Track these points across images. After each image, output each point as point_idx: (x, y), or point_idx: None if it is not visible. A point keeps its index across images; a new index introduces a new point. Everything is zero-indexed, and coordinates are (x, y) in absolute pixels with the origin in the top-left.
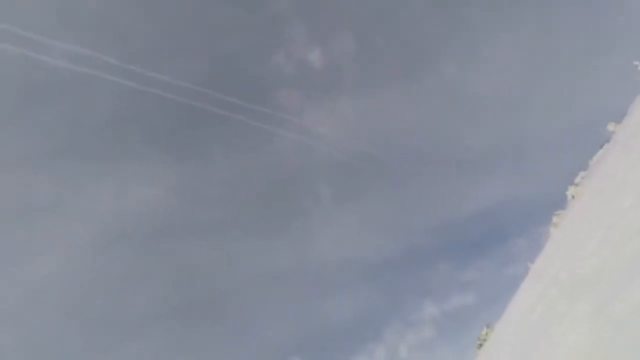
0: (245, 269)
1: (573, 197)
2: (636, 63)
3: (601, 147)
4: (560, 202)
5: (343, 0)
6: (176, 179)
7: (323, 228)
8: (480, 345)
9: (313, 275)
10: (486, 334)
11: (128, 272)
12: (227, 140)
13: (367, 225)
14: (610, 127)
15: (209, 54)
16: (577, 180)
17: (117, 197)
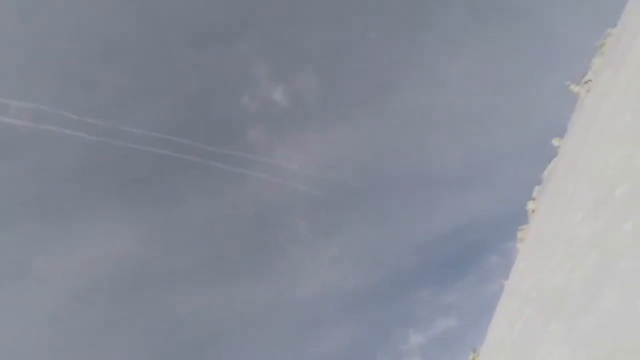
0: (226, 313)
1: (533, 211)
2: (567, 83)
3: (550, 161)
4: (522, 217)
5: (302, 37)
6: (147, 230)
7: (302, 264)
8: None
9: (295, 313)
10: (473, 359)
11: (103, 329)
12: (197, 187)
13: (346, 257)
14: (555, 142)
15: (171, 99)
16: (534, 194)
17: (84, 253)
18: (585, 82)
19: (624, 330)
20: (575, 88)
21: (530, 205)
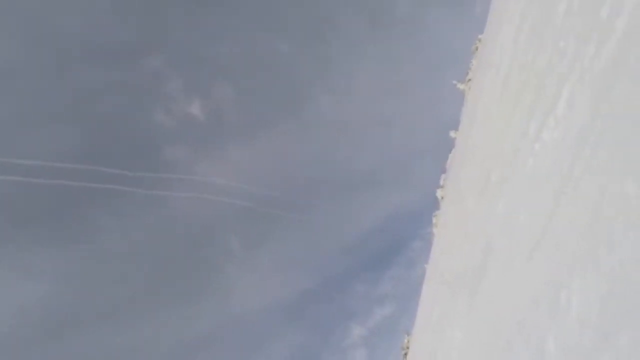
0: (164, 342)
1: (442, 198)
2: (454, 82)
3: (450, 151)
4: (435, 204)
5: (215, 52)
6: (64, 267)
7: (239, 279)
8: (405, 354)
9: (238, 330)
10: (408, 342)
11: None
12: (117, 215)
13: (279, 265)
14: (452, 134)
15: (79, 124)
16: (442, 182)
17: None
18: (468, 80)
19: (505, 306)
20: (461, 86)
21: (439, 192)
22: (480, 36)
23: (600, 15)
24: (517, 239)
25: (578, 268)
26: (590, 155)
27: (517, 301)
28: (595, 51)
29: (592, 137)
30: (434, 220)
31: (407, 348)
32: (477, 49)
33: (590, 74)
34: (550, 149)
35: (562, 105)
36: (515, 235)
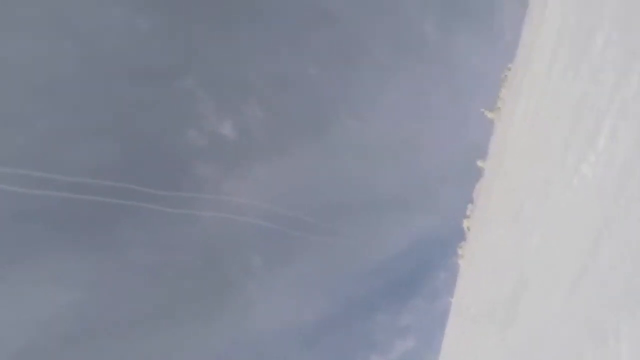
0: (183, 358)
1: (468, 228)
2: (482, 110)
3: (477, 180)
4: (461, 234)
5: (244, 72)
6: (94, 279)
7: (259, 299)
8: None
9: (253, 350)
10: None
11: None
12: (144, 233)
13: (301, 288)
14: (480, 163)
15: (109, 142)
16: (468, 212)
17: (25, 306)
18: (497, 109)
19: (543, 347)
20: (489, 114)
21: (465, 222)
22: (510, 64)
23: None
24: (555, 274)
25: (625, 310)
26: (635, 192)
27: (556, 341)
28: (639, 84)
29: (637, 173)
30: (459, 252)
31: None
32: (506, 77)
33: (634, 107)
34: (591, 183)
35: (602, 139)
36: (553, 270)
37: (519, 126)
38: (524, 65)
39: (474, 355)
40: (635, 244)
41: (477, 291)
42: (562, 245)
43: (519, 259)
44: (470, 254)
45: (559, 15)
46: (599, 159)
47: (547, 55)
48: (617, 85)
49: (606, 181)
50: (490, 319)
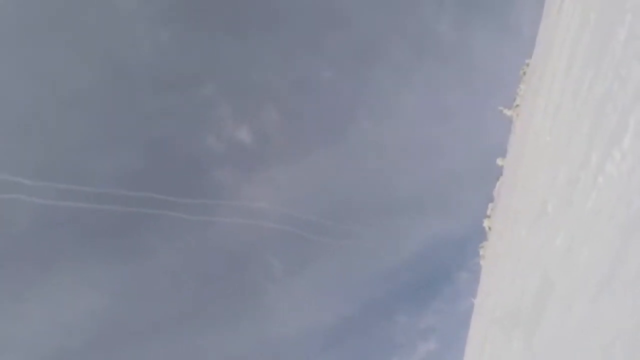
0: None
1: (489, 228)
2: (500, 108)
3: (498, 179)
4: (482, 234)
5: (261, 77)
6: (118, 286)
7: (279, 303)
8: None
9: (277, 354)
10: None
11: None
12: (168, 240)
13: (322, 290)
14: (499, 161)
15: (135, 153)
16: (489, 211)
17: (54, 311)
18: (516, 106)
19: (569, 353)
20: (508, 112)
21: (486, 222)
22: (528, 61)
23: None
24: (580, 277)
25: None
26: None
27: (584, 347)
28: None
29: None
30: (481, 252)
31: None
32: (524, 74)
33: None
34: (616, 182)
35: (628, 136)
36: (578, 272)
37: (538, 124)
38: (543, 61)
39: (499, 357)
40: None
41: (500, 293)
42: (589, 246)
43: (543, 260)
44: (492, 254)
45: (578, 8)
46: (624, 157)
47: (567, 50)
48: None
49: (632, 180)
50: (514, 322)
